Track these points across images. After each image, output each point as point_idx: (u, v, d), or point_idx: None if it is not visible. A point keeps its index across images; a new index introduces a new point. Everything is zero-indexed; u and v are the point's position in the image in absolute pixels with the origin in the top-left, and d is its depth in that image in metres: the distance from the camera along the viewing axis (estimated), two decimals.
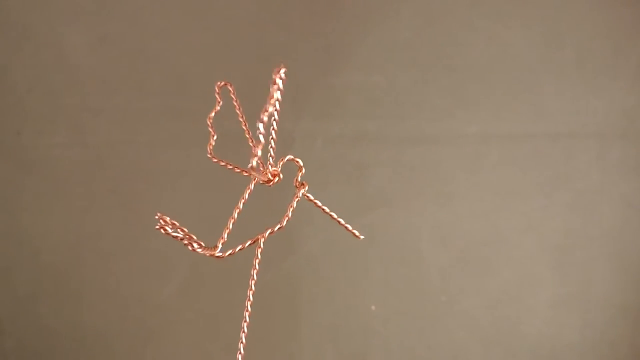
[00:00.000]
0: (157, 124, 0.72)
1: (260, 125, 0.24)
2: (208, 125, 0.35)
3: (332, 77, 0.71)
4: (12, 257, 0.74)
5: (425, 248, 0.74)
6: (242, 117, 0.34)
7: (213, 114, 0.35)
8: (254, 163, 0.26)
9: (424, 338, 0.75)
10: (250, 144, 0.33)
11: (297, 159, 0.31)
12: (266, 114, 0.25)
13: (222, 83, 0.35)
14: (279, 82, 0.26)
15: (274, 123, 0.30)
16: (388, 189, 0.73)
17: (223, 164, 0.34)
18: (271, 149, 0.31)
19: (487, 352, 0.75)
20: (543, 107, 0.72)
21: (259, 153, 0.25)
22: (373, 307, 0.74)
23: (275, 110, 0.29)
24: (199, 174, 0.72)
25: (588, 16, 0.71)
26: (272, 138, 0.31)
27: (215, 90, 0.35)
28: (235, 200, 0.32)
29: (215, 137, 0.35)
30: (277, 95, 0.26)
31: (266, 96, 0.25)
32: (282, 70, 0.26)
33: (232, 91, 0.34)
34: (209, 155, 0.35)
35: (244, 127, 0.34)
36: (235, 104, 0.34)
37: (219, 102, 0.35)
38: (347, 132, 0.72)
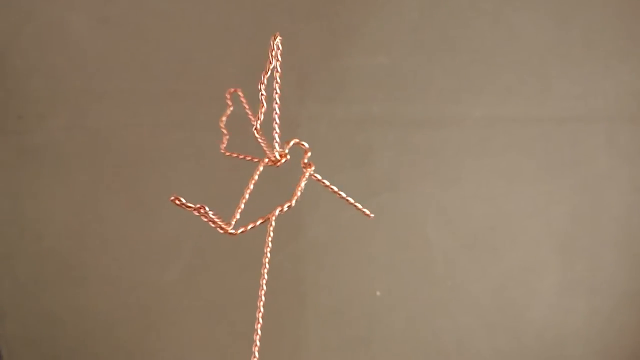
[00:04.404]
0: (161, 106, 0.71)
1: (262, 87, 0.27)
2: (221, 127, 0.38)
3: (336, 59, 0.71)
4: (14, 242, 0.73)
5: (430, 232, 0.73)
6: (254, 121, 0.34)
7: (224, 118, 0.38)
8: (259, 126, 0.29)
9: (429, 323, 0.75)
10: (254, 124, 0.33)
11: (303, 142, 0.32)
12: (266, 76, 0.27)
13: (233, 90, 0.38)
14: (276, 49, 0.29)
15: (276, 107, 0.31)
16: (393, 172, 0.72)
17: (235, 155, 0.37)
18: (276, 135, 0.32)
19: (492, 337, 0.75)
20: (550, 90, 0.71)
21: (262, 117, 0.28)
22: (378, 293, 0.74)
23: (277, 85, 0.31)
24: (203, 157, 0.72)
25: None
26: (276, 123, 0.31)
27: (225, 96, 0.38)
28: (240, 182, 0.32)
29: (227, 137, 0.38)
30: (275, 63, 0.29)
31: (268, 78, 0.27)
32: (278, 39, 0.29)
33: (242, 96, 0.37)
34: (222, 152, 0.38)
35: (255, 127, 0.35)
36: (246, 109, 0.36)
37: (230, 107, 0.38)
38: (352, 115, 0.71)
